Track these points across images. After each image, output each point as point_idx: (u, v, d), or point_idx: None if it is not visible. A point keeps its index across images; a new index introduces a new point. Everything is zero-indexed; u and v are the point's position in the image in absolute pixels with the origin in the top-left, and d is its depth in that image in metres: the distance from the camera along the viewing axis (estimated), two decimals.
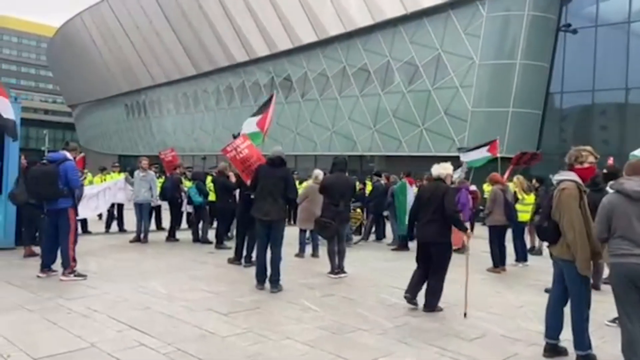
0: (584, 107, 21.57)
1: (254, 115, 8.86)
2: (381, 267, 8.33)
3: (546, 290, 6.67)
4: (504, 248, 8.26)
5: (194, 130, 36.30)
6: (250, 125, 8.58)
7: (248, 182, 6.94)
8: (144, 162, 10.06)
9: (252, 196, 7.35)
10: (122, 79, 42.08)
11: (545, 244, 4.41)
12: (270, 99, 8.73)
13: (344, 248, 7.45)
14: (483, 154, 12.62)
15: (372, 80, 25.23)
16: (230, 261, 7.90)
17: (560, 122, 21.96)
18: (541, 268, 8.59)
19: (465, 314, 5.40)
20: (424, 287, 5.72)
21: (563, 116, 22.05)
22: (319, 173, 9.00)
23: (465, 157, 13.21)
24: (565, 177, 4.19)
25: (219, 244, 9.54)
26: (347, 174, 7.76)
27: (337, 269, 7.27)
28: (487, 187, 16.23)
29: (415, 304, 5.67)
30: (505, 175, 10.46)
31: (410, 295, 5.68)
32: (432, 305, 5.54)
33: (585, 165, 4.19)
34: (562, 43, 21.06)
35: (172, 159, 11.30)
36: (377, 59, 24.87)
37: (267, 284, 6.36)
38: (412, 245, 10.27)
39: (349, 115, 26.22)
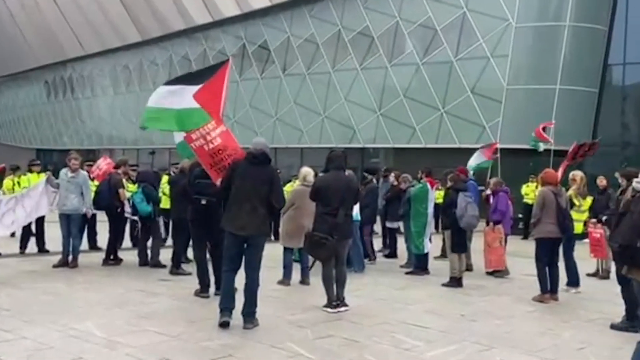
0: None
1: (187, 81, 7.50)
2: (393, 297, 8.26)
3: (612, 326, 6.72)
4: (556, 269, 8.24)
5: (139, 114, 35.98)
6: (182, 96, 7.24)
7: (218, 182, 6.81)
8: (74, 160, 9.87)
9: (203, 202, 7.26)
10: (41, 47, 41.68)
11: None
12: (221, 66, 7.57)
13: (345, 273, 7.36)
14: (479, 158, 13.22)
15: (376, 48, 25.20)
16: (197, 293, 7.80)
17: (622, 103, 22.12)
18: (603, 295, 8.58)
19: None
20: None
21: (625, 94, 22.22)
22: (308, 172, 8.91)
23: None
24: None
25: (176, 269, 9.42)
26: (347, 173, 7.67)
27: (336, 300, 7.18)
28: (528, 189, 16.33)
29: None
30: (559, 174, 10.44)
31: None
32: None
33: None
34: None
35: (107, 168, 11.10)
36: (382, 21, 24.85)
37: (235, 318, 6.26)
38: (434, 266, 10.25)
39: (346, 95, 26.18)
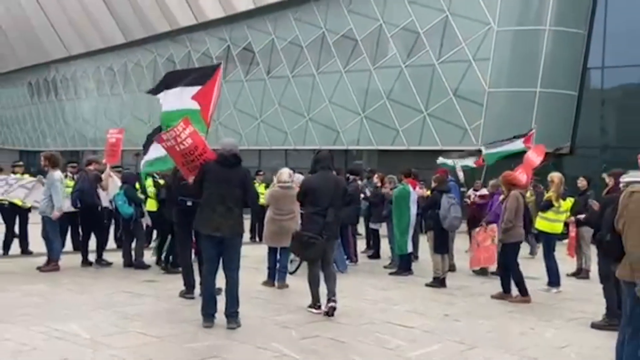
0: (633, 87, 21.97)
1: (185, 81, 7.94)
2: (377, 297, 8.30)
3: (593, 325, 6.80)
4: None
5: (123, 116, 35.78)
6: (181, 97, 7.82)
7: (190, 180, 6.77)
8: (42, 160, 9.81)
9: (189, 203, 7.26)
10: (24, 49, 41.23)
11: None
12: (213, 70, 8.00)
13: (334, 272, 7.36)
14: (516, 146, 12.90)
15: (359, 51, 25.23)
16: (182, 294, 7.80)
17: (602, 106, 22.33)
18: (583, 295, 8.71)
19: None
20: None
21: (605, 98, 22.43)
22: (283, 172, 8.79)
23: (488, 150, 13.46)
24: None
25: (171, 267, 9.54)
26: (334, 173, 7.75)
27: (328, 294, 7.07)
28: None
29: None
30: (524, 178, 10.58)
31: None
32: None
33: None
34: (603, 3, 21.41)
35: (116, 142, 10.88)
36: (366, 24, 24.91)
37: (220, 320, 6.27)
38: (418, 266, 10.30)
39: (330, 97, 26.20)
